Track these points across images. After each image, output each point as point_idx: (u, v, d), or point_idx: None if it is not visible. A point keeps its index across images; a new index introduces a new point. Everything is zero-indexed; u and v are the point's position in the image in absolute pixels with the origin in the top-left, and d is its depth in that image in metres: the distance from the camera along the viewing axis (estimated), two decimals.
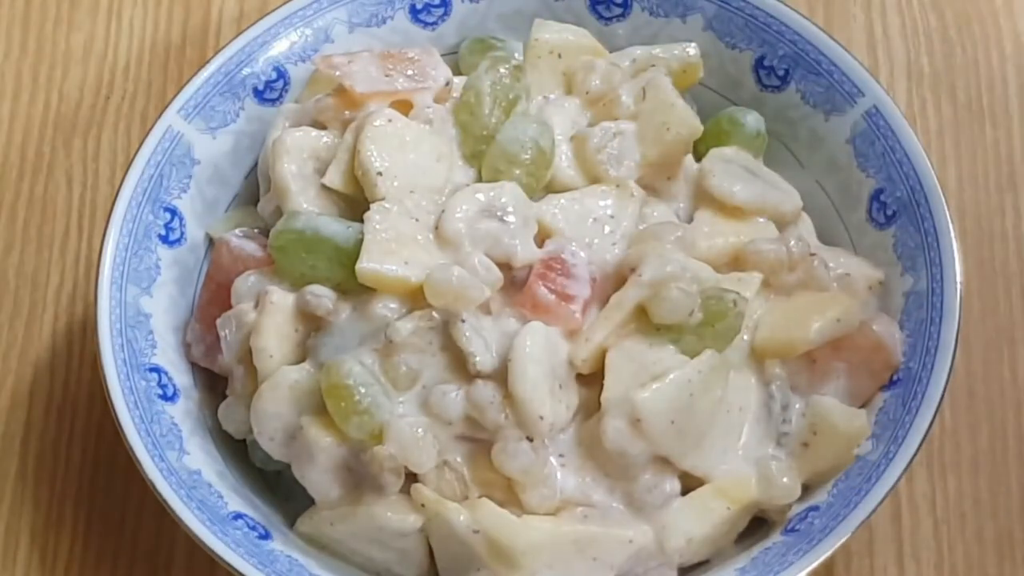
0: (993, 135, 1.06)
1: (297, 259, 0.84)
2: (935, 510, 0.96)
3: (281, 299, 0.84)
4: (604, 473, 0.83)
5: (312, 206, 0.86)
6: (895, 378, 0.87)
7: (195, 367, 0.90)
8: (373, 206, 0.83)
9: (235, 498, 0.86)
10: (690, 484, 0.84)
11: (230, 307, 0.87)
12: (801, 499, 0.85)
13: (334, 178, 0.86)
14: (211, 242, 0.92)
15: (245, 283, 0.86)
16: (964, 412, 0.98)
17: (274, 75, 0.94)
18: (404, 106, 0.88)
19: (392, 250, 0.82)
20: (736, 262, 0.87)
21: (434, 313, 0.81)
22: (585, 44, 0.92)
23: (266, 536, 0.84)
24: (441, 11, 0.96)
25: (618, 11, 0.96)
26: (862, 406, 0.87)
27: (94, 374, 0.97)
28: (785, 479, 0.84)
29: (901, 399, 0.86)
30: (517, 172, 0.86)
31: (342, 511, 0.83)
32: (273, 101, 0.94)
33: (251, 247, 0.89)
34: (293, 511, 0.87)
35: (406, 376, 0.81)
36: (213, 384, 0.90)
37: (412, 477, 0.82)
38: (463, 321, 0.80)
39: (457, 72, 0.92)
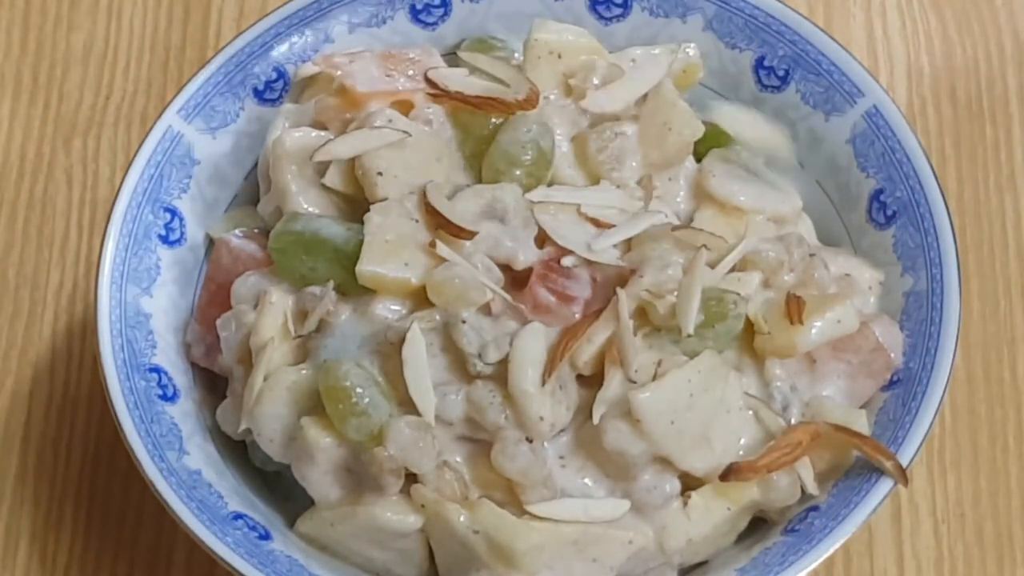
0: (993, 135, 1.06)
1: (297, 260, 0.84)
2: (935, 510, 0.96)
3: (280, 299, 0.84)
4: (604, 473, 0.83)
5: (312, 206, 0.86)
6: (895, 378, 0.87)
7: (195, 367, 0.90)
8: (373, 207, 0.83)
9: (235, 498, 0.86)
10: (690, 484, 0.84)
11: (230, 308, 0.87)
12: (801, 499, 0.85)
13: (334, 178, 0.86)
14: (211, 242, 0.92)
15: (245, 284, 0.86)
16: (964, 412, 0.99)
17: (274, 75, 0.94)
18: (404, 106, 0.88)
19: (392, 251, 0.82)
20: (736, 262, 0.87)
21: (435, 314, 0.81)
22: (585, 44, 0.92)
23: (266, 536, 0.84)
24: (441, 11, 0.96)
25: (618, 11, 0.96)
26: (862, 406, 0.87)
27: (94, 374, 0.97)
28: (785, 479, 0.84)
29: (901, 399, 0.86)
30: (517, 173, 0.86)
31: (342, 511, 0.83)
32: (273, 101, 0.94)
33: (251, 247, 0.89)
34: (293, 511, 0.87)
35: None
36: (213, 384, 0.90)
37: (412, 477, 0.82)
38: (463, 322, 0.80)
39: None
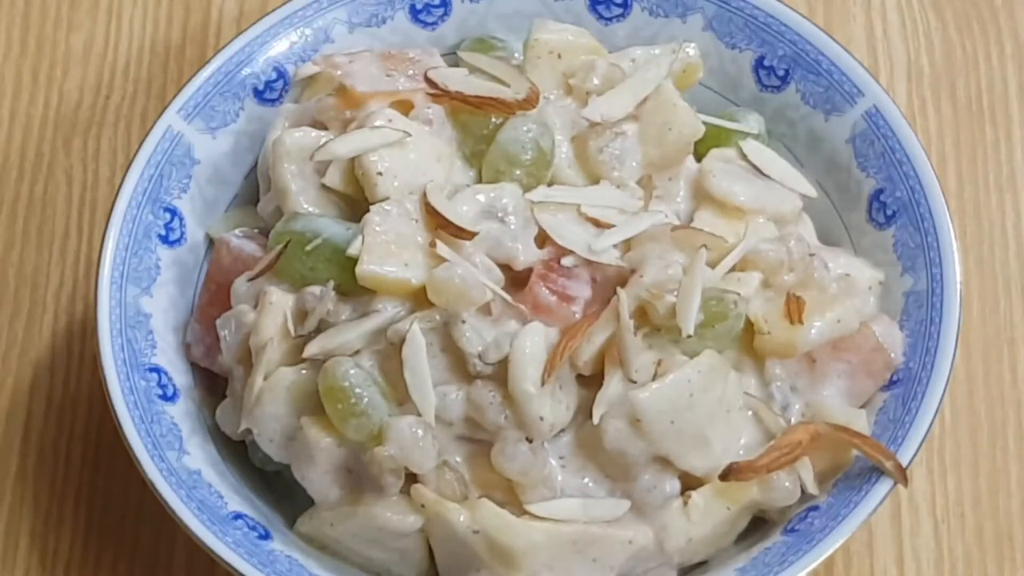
0: (993, 135, 1.06)
1: (296, 260, 0.84)
2: (935, 510, 0.96)
3: (280, 299, 0.84)
4: (604, 474, 0.83)
5: (312, 206, 0.86)
6: (895, 378, 0.87)
7: (195, 367, 0.90)
8: (372, 208, 0.83)
9: (235, 498, 0.86)
10: (690, 484, 0.84)
11: (230, 307, 0.87)
12: (801, 499, 0.85)
13: (334, 178, 0.86)
14: (211, 242, 0.92)
15: (244, 284, 0.86)
16: (964, 412, 0.98)
17: (274, 75, 0.94)
18: (404, 106, 0.88)
19: (392, 252, 0.82)
20: (736, 262, 0.87)
21: (435, 314, 0.81)
22: (585, 44, 0.92)
23: (266, 536, 0.84)
24: (441, 11, 0.96)
25: (618, 11, 0.96)
26: (862, 406, 0.87)
27: (94, 374, 0.97)
28: (785, 480, 0.84)
29: (901, 399, 0.86)
30: (517, 172, 0.86)
31: (342, 511, 0.83)
32: (273, 101, 0.94)
33: (251, 247, 0.89)
34: (293, 511, 0.87)
35: None
36: (213, 384, 0.90)
37: (412, 477, 0.82)
38: (463, 322, 0.80)
39: None
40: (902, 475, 0.82)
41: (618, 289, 0.82)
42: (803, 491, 0.84)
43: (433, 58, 0.91)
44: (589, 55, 0.91)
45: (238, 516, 0.84)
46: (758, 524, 0.87)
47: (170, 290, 0.90)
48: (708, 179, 0.89)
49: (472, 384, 0.81)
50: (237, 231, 0.91)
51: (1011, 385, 0.99)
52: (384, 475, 0.80)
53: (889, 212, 0.91)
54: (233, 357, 0.86)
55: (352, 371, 0.80)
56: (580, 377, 0.83)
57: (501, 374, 0.80)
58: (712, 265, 0.84)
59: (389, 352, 0.81)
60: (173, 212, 0.91)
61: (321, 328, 0.83)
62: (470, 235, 0.82)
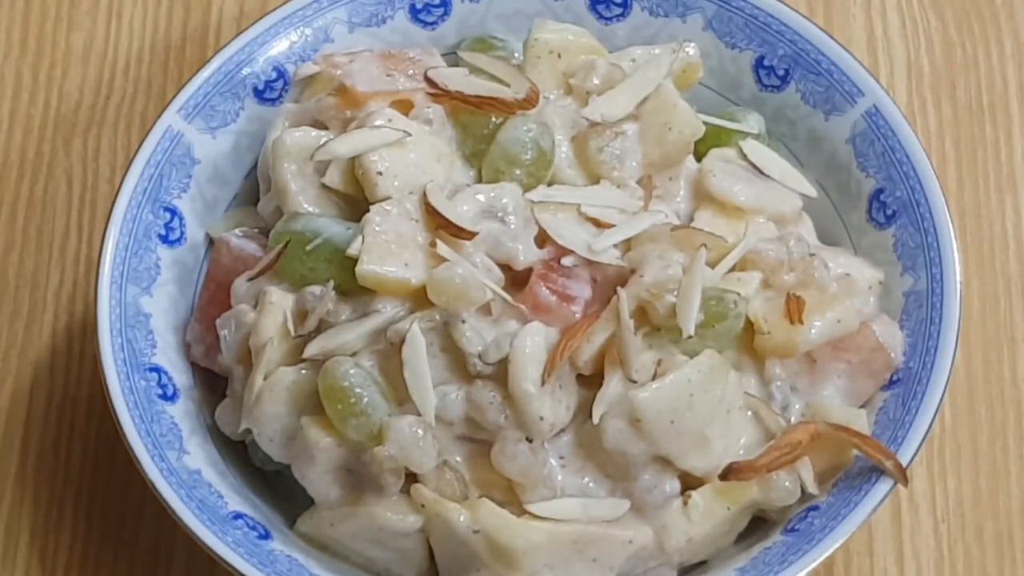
0: (993, 135, 1.06)
1: (296, 260, 0.84)
2: (935, 510, 0.96)
3: (280, 299, 0.84)
4: (604, 474, 0.83)
5: (312, 206, 0.86)
6: (895, 378, 0.87)
7: (195, 367, 0.90)
8: (372, 208, 0.83)
9: (235, 498, 0.86)
10: (690, 484, 0.84)
11: (230, 307, 0.87)
12: (801, 499, 0.85)
13: (334, 178, 0.86)
14: (211, 242, 0.92)
15: (244, 283, 0.86)
16: (964, 412, 0.98)
17: (274, 75, 0.94)
18: (404, 106, 0.88)
19: (392, 252, 0.82)
20: (736, 262, 0.87)
21: (435, 314, 0.81)
22: (585, 44, 0.92)
23: (266, 536, 0.84)
24: (441, 11, 0.96)
25: (618, 11, 0.96)
26: (862, 406, 0.87)
27: (94, 374, 0.97)
28: (785, 480, 0.84)
29: (901, 399, 0.86)
30: (517, 172, 0.86)
31: (342, 511, 0.83)
32: (273, 101, 0.94)
33: (251, 247, 0.89)
34: (293, 511, 0.87)
35: None
36: (213, 384, 0.90)
37: (412, 477, 0.82)
38: (463, 322, 0.81)
39: None
40: (902, 475, 0.82)
41: (618, 289, 0.82)
42: (803, 491, 0.84)
43: (433, 58, 0.91)
44: (589, 55, 0.92)
45: (238, 516, 0.85)
46: (758, 524, 0.87)
47: (170, 290, 0.90)
48: (708, 179, 0.89)
49: (472, 384, 0.81)
50: (237, 231, 0.91)
51: (1011, 385, 0.99)
52: (384, 475, 0.80)
53: (889, 212, 0.91)
54: (233, 357, 0.86)
55: (352, 371, 0.80)
56: (580, 377, 0.83)
57: (501, 374, 0.80)
58: (712, 265, 0.84)
59: (389, 352, 0.81)
60: (173, 212, 0.91)
61: (321, 328, 0.83)
62: (470, 235, 0.82)
